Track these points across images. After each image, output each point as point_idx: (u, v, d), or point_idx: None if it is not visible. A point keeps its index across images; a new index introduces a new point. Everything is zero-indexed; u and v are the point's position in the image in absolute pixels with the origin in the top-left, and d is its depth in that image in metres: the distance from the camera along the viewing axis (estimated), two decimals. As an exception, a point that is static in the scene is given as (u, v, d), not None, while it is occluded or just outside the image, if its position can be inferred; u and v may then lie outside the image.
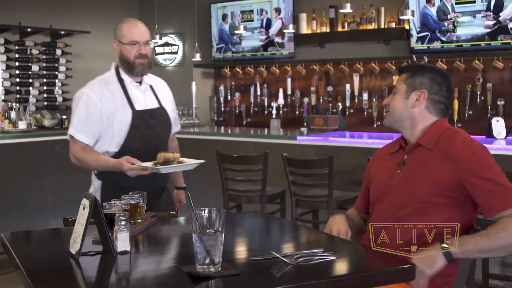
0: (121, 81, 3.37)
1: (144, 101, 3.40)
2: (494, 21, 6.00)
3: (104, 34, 8.41)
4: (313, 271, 1.93)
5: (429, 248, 2.25)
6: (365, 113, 7.03)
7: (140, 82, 3.41)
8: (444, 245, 2.24)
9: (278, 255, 1.99)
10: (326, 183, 4.79)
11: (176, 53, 8.65)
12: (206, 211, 1.89)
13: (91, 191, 3.46)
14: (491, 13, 6.00)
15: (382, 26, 6.86)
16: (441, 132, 2.48)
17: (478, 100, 6.28)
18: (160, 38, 8.11)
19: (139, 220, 2.52)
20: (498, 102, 6.12)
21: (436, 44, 6.36)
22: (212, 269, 1.85)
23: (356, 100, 7.11)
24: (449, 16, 6.22)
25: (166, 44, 8.68)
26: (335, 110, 7.19)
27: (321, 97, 7.37)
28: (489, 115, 6.12)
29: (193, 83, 8.16)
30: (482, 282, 4.34)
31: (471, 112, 6.33)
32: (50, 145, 6.38)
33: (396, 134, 5.58)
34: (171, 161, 3.12)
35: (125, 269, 2.04)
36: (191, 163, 3.20)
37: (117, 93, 3.34)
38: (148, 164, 3.10)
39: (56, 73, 7.93)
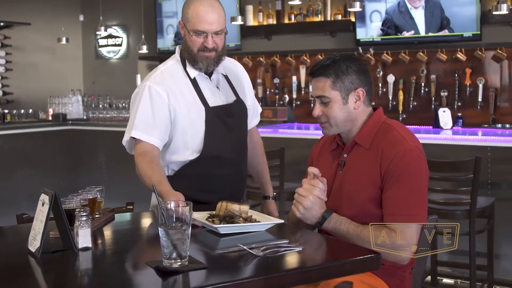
0: (188, 73, 2.76)
1: (217, 95, 2.79)
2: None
3: (45, 26, 8.23)
4: (280, 262, 1.93)
5: (318, 210, 2.32)
6: (312, 104, 7.06)
7: (210, 74, 2.79)
8: (323, 219, 2.31)
9: (245, 247, 1.97)
10: (277, 175, 4.79)
11: (120, 45, 8.51)
12: (173, 204, 1.86)
13: (154, 202, 2.86)
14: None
15: (329, 18, 6.89)
16: (378, 127, 2.38)
17: (422, 91, 6.38)
18: (105, 30, 7.96)
19: (97, 215, 2.46)
20: (442, 93, 6.24)
21: (381, 37, 6.44)
22: (179, 263, 1.82)
23: (302, 92, 7.13)
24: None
25: (110, 36, 8.52)
26: (282, 102, 7.21)
27: (268, 89, 7.37)
28: (433, 106, 6.24)
29: (138, 76, 8.04)
30: (431, 270, 4.45)
31: (415, 103, 6.42)
32: (-10, 140, 6.21)
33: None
34: (235, 216, 2.30)
35: (88, 266, 1.98)
36: (264, 223, 2.33)
37: (185, 87, 2.74)
38: (202, 215, 2.38)
39: (-5, 66, 7.70)
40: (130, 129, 2.70)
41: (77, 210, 2.09)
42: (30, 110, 7.49)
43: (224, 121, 2.76)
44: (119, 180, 6.59)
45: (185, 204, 1.87)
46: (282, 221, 2.35)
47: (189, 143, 2.73)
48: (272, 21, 7.25)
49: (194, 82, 2.75)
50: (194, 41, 2.68)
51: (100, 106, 7.58)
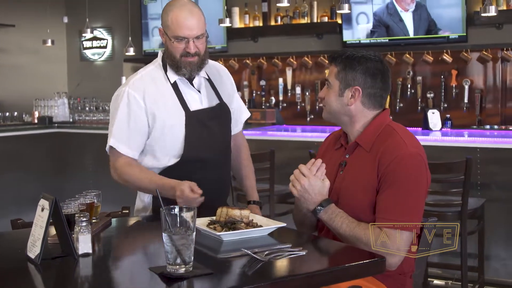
0: (168, 77, 2.75)
1: (199, 99, 2.78)
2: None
3: (30, 28, 8.15)
4: (285, 267, 1.92)
5: (317, 195, 2.32)
6: (298, 106, 7.05)
7: (192, 78, 2.78)
8: (321, 207, 2.32)
9: (249, 252, 1.95)
10: (267, 178, 4.78)
11: (105, 47, 8.45)
12: (177, 209, 1.84)
13: (138, 207, 2.87)
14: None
15: (315, 20, 6.90)
16: (380, 130, 2.37)
17: (408, 93, 6.41)
18: (92, 32, 7.90)
19: (94, 220, 2.43)
20: (428, 95, 6.27)
21: (368, 39, 6.46)
22: (183, 269, 1.80)
23: (289, 94, 7.12)
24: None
25: (95, 38, 8.46)
26: (268, 104, 7.20)
27: (254, 91, 7.36)
28: (419, 107, 6.27)
29: (123, 78, 7.98)
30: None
31: (402, 105, 6.44)
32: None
33: (330, 127, 5.69)
34: (237, 222, 2.27)
35: (90, 272, 1.95)
36: (266, 227, 2.28)
37: (165, 92, 2.72)
38: (202, 222, 2.31)
39: (-22, 68, 7.62)
40: (109, 137, 2.75)
41: (76, 215, 2.06)
42: (15, 113, 7.41)
43: (206, 124, 2.76)
44: (105, 184, 6.50)
45: (189, 209, 1.85)
46: (284, 224, 2.31)
47: (167, 149, 2.73)
48: (259, 23, 7.24)
49: (175, 86, 2.74)
50: (176, 47, 2.67)
51: (87, 108, 7.52)
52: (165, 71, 2.75)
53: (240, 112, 3.06)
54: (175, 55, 2.68)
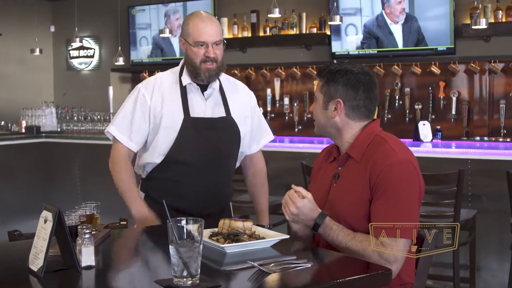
0: (180, 82, 2.91)
1: (204, 108, 2.91)
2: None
3: (16, 37, 8.11)
4: (292, 280, 1.90)
5: (312, 211, 2.33)
6: (287, 117, 7.06)
7: (204, 86, 2.92)
8: (318, 224, 2.31)
9: (255, 264, 1.94)
10: (259, 188, 4.77)
11: (92, 56, 8.42)
12: (184, 221, 1.83)
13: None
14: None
15: (304, 32, 6.92)
16: (370, 140, 2.37)
17: (396, 104, 6.44)
18: (81, 41, 7.86)
19: (93, 232, 2.40)
20: (416, 106, 6.30)
21: (357, 50, 6.49)
22: (190, 282, 1.78)
23: (277, 104, 7.13)
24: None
25: (81, 47, 8.42)
26: (256, 115, 7.17)
27: (242, 102, 7.33)
28: (407, 118, 6.31)
29: (110, 88, 7.94)
30: (413, 282, 4.46)
31: (390, 116, 6.47)
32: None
33: (318, 138, 5.69)
34: (240, 234, 2.26)
35: (94, 286, 1.93)
36: (270, 239, 2.27)
37: (173, 94, 2.89)
38: (205, 233, 2.23)
39: (-36, 77, 7.55)
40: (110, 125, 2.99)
41: (79, 227, 2.04)
42: (2, 122, 7.35)
43: (202, 132, 2.87)
44: (93, 194, 6.48)
45: (195, 221, 1.83)
46: (287, 236, 2.30)
47: (157, 145, 2.88)
48: (247, 33, 7.24)
49: (183, 91, 2.89)
50: (196, 53, 2.83)
51: (75, 118, 7.47)
52: (180, 75, 2.92)
53: (260, 133, 3.15)
54: (196, 61, 2.84)
